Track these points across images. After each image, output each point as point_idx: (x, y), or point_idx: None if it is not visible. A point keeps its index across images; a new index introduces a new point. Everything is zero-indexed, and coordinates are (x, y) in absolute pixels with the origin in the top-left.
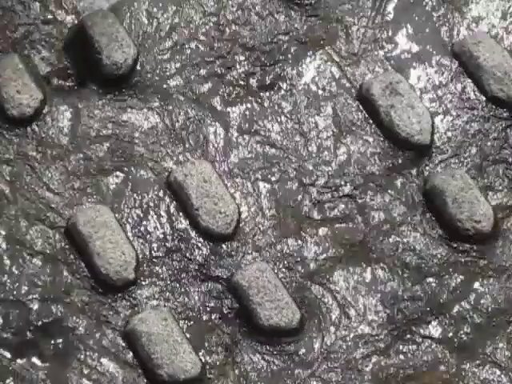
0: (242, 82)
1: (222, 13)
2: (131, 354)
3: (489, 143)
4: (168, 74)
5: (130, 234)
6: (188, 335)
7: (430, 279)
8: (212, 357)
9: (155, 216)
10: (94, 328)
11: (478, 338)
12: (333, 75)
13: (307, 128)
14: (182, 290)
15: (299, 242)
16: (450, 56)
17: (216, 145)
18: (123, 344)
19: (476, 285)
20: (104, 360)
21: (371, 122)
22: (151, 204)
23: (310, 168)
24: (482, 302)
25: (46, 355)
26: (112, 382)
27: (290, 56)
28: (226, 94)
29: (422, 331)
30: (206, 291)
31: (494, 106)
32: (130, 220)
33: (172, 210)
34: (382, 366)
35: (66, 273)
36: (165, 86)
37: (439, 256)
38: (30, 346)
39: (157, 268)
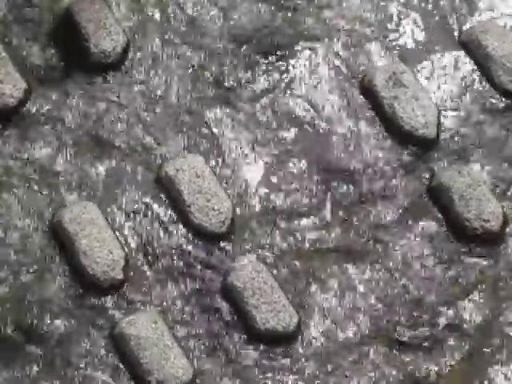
0: (237, 74)
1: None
2: (119, 358)
3: (498, 137)
4: (159, 63)
5: (117, 232)
6: (179, 339)
7: (435, 280)
8: (204, 362)
9: (144, 213)
10: (80, 331)
11: (487, 342)
12: (333, 65)
13: (307, 121)
14: (173, 291)
15: (297, 241)
16: (457, 45)
17: (209, 138)
18: (111, 348)
19: (483, 286)
20: (90, 365)
21: (373, 114)
22: (140, 200)
23: (310, 163)
24: (489, 303)
25: (29, 361)
26: None
27: (287, 47)
28: (220, 86)
29: (426, 334)
30: (198, 293)
31: (503, 98)
32: (117, 217)
33: (162, 206)
34: (384, 370)
35: (49, 272)
36: (155, 75)
37: (445, 256)
38: (11, 350)
39: (146, 268)
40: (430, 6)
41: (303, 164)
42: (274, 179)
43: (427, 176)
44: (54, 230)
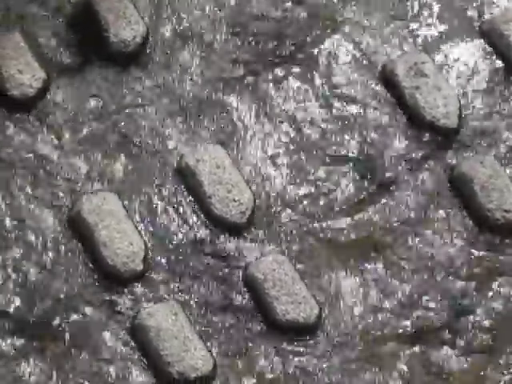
0: (256, 63)
1: None
2: (139, 350)
3: None
4: (179, 52)
5: (137, 224)
6: (199, 330)
7: (456, 271)
8: (225, 354)
9: (165, 204)
10: (100, 323)
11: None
12: (353, 55)
13: (326, 111)
14: (193, 282)
15: (317, 232)
16: (478, 35)
17: (230, 128)
18: (130, 340)
19: (504, 278)
20: (110, 357)
21: (395, 104)
22: (160, 191)
23: (329, 153)
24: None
25: (49, 352)
26: (118, 380)
27: (307, 37)
28: (241, 74)
29: (446, 330)
30: (218, 284)
31: None
32: (138, 208)
33: (183, 197)
34: (405, 364)
35: (69, 264)
36: (175, 65)
37: (466, 247)
38: (31, 342)
39: (166, 259)
40: None
41: (324, 153)
42: (295, 169)
43: (449, 166)
44: (74, 221)
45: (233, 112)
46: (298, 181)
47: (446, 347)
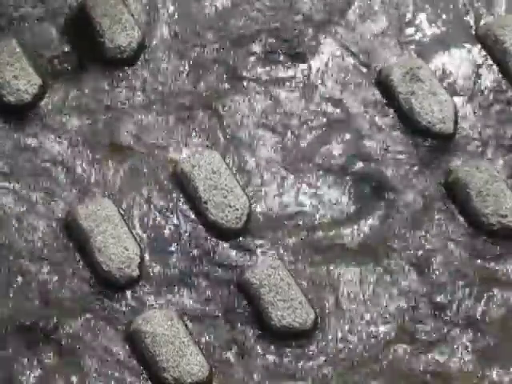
0: (252, 70)
1: None
2: (135, 356)
3: None
4: (176, 57)
5: (133, 229)
6: (194, 336)
7: (452, 277)
8: (220, 360)
9: (161, 210)
10: (95, 329)
11: (503, 343)
12: (348, 60)
13: (321, 118)
14: (189, 288)
15: (314, 238)
16: (474, 40)
17: (226, 134)
18: (126, 346)
19: (500, 283)
20: (105, 363)
21: (390, 109)
22: (156, 197)
23: (324, 159)
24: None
25: (45, 358)
26: None
27: (302, 42)
28: (237, 81)
29: (446, 331)
30: (214, 290)
31: None
32: (133, 214)
33: (178, 203)
34: (400, 370)
35: (64, 270)
36: (172, 70)
37: (462, 253)
38: (27, 349)
39: (162, 265)
40: (446, 0)
41: (320, 159)
42: (291, 176)
43: (444, 171)
44: (69, 227)
45: (229, 118)
46: (293, 187)
47: (444, 349)
